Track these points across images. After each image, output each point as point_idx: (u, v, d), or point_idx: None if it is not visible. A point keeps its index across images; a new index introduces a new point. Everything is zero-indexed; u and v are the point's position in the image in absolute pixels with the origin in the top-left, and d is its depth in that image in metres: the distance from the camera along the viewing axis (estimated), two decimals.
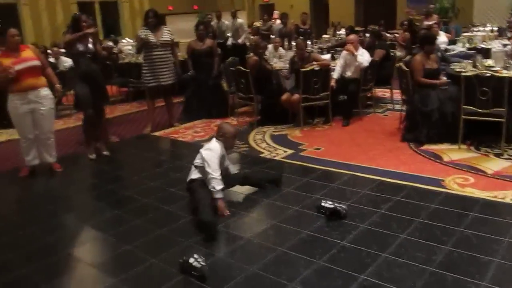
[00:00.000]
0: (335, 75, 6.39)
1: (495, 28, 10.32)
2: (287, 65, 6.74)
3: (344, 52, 6.50)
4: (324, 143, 5.48)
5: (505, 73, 4.67)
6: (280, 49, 8.49)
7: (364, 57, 6.34)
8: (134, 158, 5.73)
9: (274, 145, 5.56)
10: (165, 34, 6.38)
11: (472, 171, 4.24)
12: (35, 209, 4.15)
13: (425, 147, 4.98)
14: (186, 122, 6.98)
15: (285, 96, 6.31)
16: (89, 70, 5.35)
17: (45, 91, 4.88)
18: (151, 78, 6.43)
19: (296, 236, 3.23)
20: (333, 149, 5.25)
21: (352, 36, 6.72)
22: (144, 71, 6.50)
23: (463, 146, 4.88)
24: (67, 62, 8.30)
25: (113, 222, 3.73)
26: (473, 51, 7.68)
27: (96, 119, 5.52)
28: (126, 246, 3.26)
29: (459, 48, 8.73)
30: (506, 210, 3.49)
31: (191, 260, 2.79)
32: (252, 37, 11.57)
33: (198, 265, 2.75)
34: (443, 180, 4.05)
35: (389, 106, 7.13)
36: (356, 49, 6.31)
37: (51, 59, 8.77)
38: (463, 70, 5.03)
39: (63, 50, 8.09)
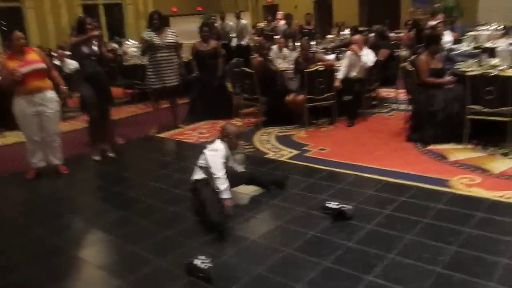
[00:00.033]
0: (340, 75, 6.38)
1: (501, 27, 10.26)
2: (292, 66, 6.74)
3: (348, 52, 6.49)
4: (329, 143, 5.47)
5: (510, 72, 4.64)
6: (285, 49, 8.48)
7: (368, 57, 6.32)
8: (139, 159, 5.75)
9: (279, 146, 5.55)
10: (170, 36, 6.40)
11: (478, 171, 4.22)
12: (41, 211, 4.17)
13: (431, 147, 4.96)
14: (191, 124, 6.99)
15: (290, 97, 6.30)
16: (94, 72, 5.38)
17: (51, 94, 4.91)
18: (155, 80, 6.44)
19: (302, 237, 3.23)
20: (338, 149, 5.24)
21: (357, 36, 6.70)
22: (148, 73, 6.51)
23: (469, 146, 4.85)
24: (72, 64, 8.32)
25: (119, 224, 3.75)
26: (478, 50, 7.65)
27: (101, 120, 5.55)
28: (132, 248, 3.27)
29: (464, 47, 8.68)
30: None
31: (197, 261, 2.80)
32: (256, 37, 11.57)
33: (204, 267, 2.76)
34: (448, 180, 4.03)
35: (394, 106, 7.11)
36: (361, 49, 6.30)
37: (56, 62, 8.80)
38: (468, 69, 5.00)
39: (68, 53, 8.13)
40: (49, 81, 4.94)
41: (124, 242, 3.39)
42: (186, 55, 8.06)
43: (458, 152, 4.74)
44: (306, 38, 8.19)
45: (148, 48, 6.39)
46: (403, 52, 8.71)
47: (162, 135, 6.59)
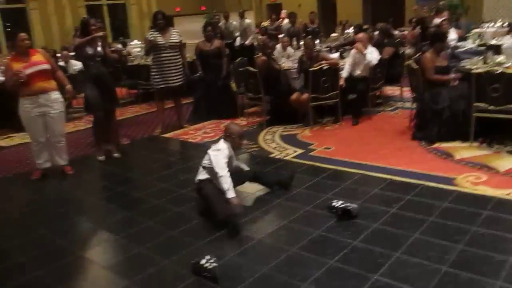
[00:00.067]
0: (344, 74, 6.37)
1: (506, 24, 10.20)
2: (296, 65, 6.73)
3: (353, 51, 6.47)
4: (334, 142, 5.46)
5: None
6: (289, 48, 8.47)
7: (373, 55, 6.30)
8: (144, 159, 5.76)
9: (284, 145, 5.55)
10: (173, 36, 6.39)
11: (484, 169, 4.20)
12: (47, 212, 4.18)
13: (436, 145, 4.94)
14: (195, 123, 6.99)
15: (294, 96, 6.29)
16: (99, 73, 5.39)
17: (56, 95, 4.92)
18: (159, 80, 6.45)
19: (307, 236, 3.22)
20: (343, 148, 5.23)
21: (361, 35, 6.67)
22: (152, 73, 6.52)
23: (475, 144, 4.83)
24: (76, 65, 8.34)
25: (124, 224, 3.75)
26: (483, 48, 7.61)
27: (106, 121, 5.56)
28: (138, 248, 3.28)
29: (469, 44, 8.65)
30: None
31: (203, 261, 2.80)
32: (260, 37, 11.56)
33: (210, 266, 2.76)
34: (454, 179, 4.01)
35: (399, 104, 7.08)
36: (365, 47, 6.28)
37: (61, 63, 8.83)
38: (474, 67, 4.98)
39: (72, 54, 8.14)
40: (53, 82, 4.95)
41: (129, 242, 3.40)
42: (190, 55, 8.06)
43: (464, 150, 4.72)
44: (310, 36, 8.16)
45: (151, 48, 6.40)
46: (408, 50, 8.68)
47: (166, 135, 6.59)
